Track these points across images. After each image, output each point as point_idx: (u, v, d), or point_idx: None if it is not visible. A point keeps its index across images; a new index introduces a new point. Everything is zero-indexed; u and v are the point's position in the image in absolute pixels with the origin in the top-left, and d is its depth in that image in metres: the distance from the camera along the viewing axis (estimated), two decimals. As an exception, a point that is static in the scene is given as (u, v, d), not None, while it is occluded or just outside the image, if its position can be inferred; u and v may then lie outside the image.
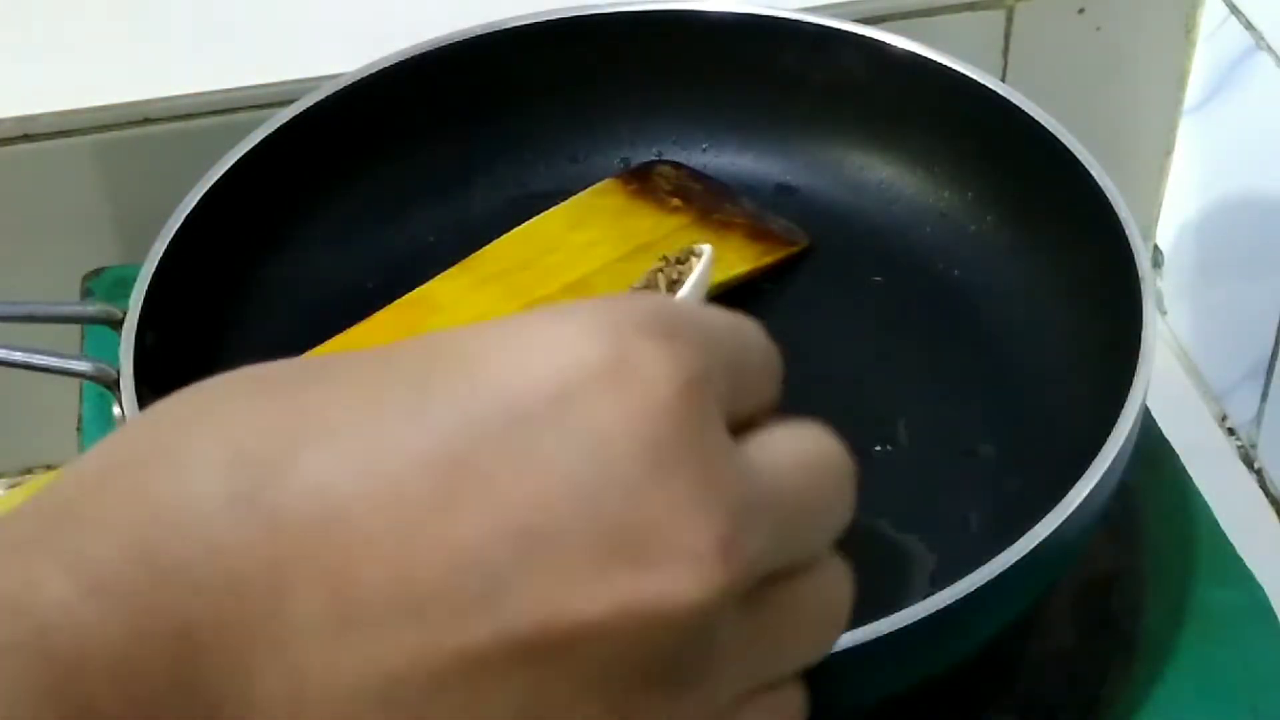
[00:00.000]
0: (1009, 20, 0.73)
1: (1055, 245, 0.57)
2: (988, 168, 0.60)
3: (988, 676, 0.52)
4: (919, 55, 0.59)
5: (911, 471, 0.53)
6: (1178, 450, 0.59)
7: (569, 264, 0.59)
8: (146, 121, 0.68)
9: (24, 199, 0.68)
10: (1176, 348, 0.80)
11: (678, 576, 0.25)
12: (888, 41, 0.60)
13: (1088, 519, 0.46)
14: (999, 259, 0.59)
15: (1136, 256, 0.51)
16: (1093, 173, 0.54)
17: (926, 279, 0.60)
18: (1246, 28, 0.72)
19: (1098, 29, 0.75)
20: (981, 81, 0.58)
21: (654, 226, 0.61)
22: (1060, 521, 0.44)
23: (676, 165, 0.64)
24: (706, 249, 0.53)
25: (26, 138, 0.67)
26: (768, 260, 0.60)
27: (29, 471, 0.76)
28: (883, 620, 0.41)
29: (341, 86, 0.60)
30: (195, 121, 0.68)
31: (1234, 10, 0.72)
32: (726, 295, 0.57)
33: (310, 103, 0.59)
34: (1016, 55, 0.74)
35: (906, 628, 0.41)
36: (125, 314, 0.52)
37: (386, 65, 0.61)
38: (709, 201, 0.62)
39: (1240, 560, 0.56)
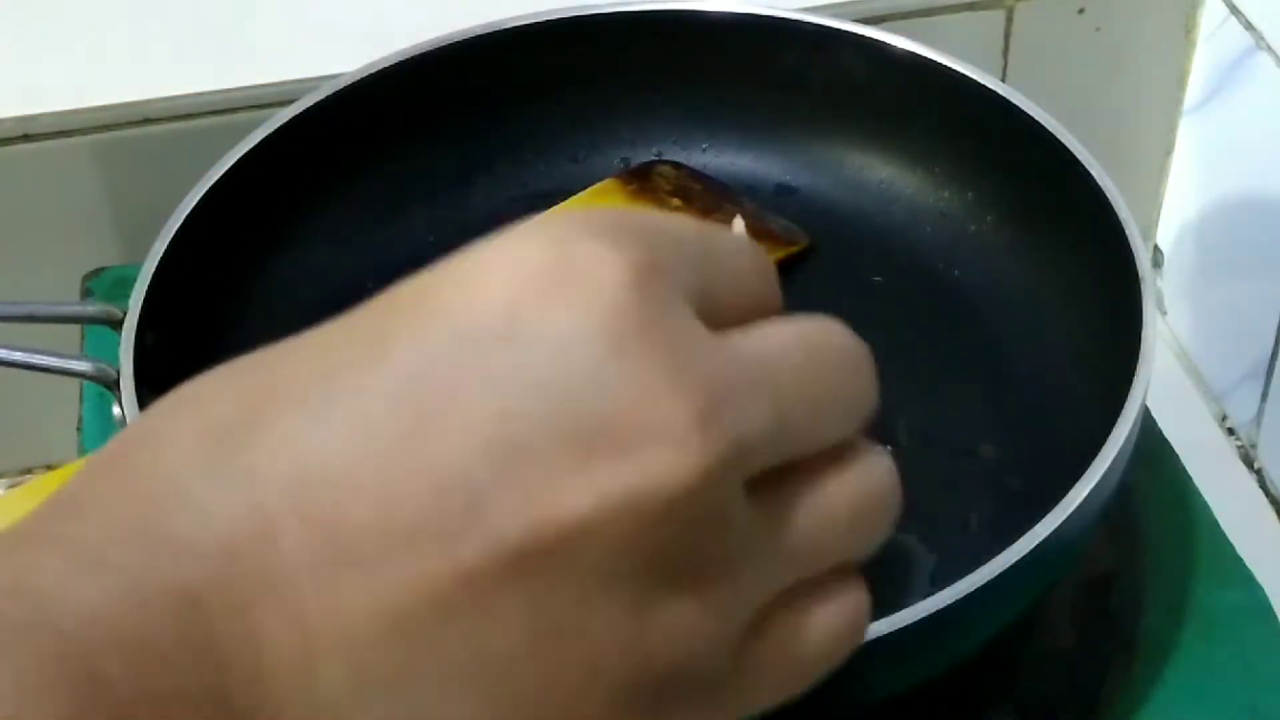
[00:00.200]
0: (1009, 20, 0.73)
1: (1055, 245, 0.57)
2: (988, 168, 0.60)
3: (988, 676, 0.52)
4: (919, 55, 0.59)
5: (911, 471, 0.53)
6: (1178, 450, 0.59)
7: (569, 264, 0.59)
8: (146, 121, 0.68)
9: (24, 199, 0.68)
10: (1176, 348, 0.80)
11: (656, 458, 0.25)
12: (888, 41, 0.60)
13: (1088, 519, 0.46)
14: (999, 259, 0.59)
15: (1136, 256, 0.51)
16: (1093, 173, 0.54)
17: (926, 279, 0.60)
18: (1246, 28, 0.72)
19: (1098, 29, 0.75)
20: (981, 81, 0.58)
21: (654, 226, 0.61)
22: (1060, 521, 0.44)
23: (676, 165, 0.64)
24: (738, 222, 0.53)
25: (26, 138, 0.67)
26: (768, 260, 0.60)
27: (29, 471, 0.76)
28: (883, 620, 0.41)
29: (341, 86, 0.60)
30: (195, 121, 0.68)
31: (1234, 10, 0.72)
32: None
33: (310, 103, 0.59)
34: (1016, 55, 0.74)
35: (906, 628, 0.41)
36: (125, 314, 0.52)
37: (386, 65, 0.61)
38: (709, 201, 0.62)
39: (1240, 560, 0.56)
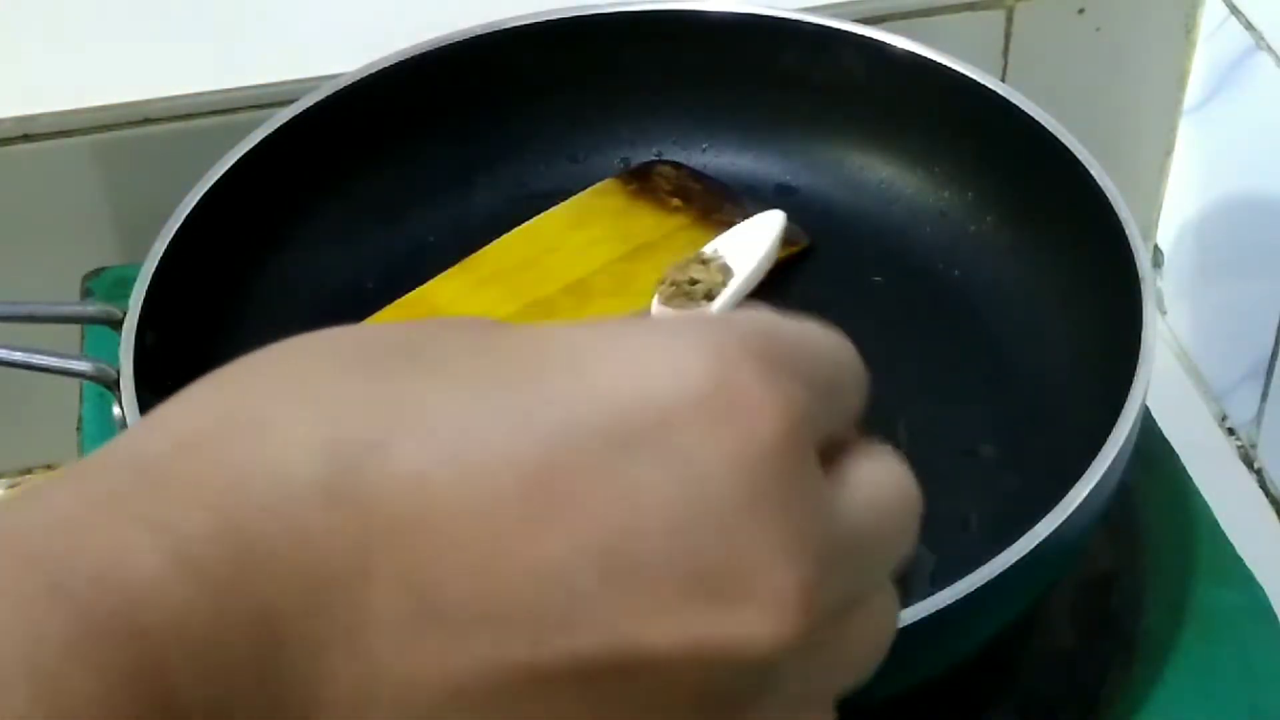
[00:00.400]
0: (1009, 20, 0.73)
1: (1055, 245, 0.57)
2: (988, 168, 0.60)
3: (988, 676, 0.52)
4: (919, 55, 0.59)
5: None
6: (1178, 450, 0.59)
7: (569, 264, 0.59)
8: (146, 121, 0.68)
9: (24, 199, 0.68)
10: (1176, 348, 0.80)
11: (756, 620, 0.25)
12: (888, 41, 0.60)
13: (1088, 519, 0.46)
14: (999, 259, 0.59)
15: (1136, 256, 0.51)
16: (1093, 173, 0.54)
17: (926, 279, 0.60)
18: (1246, 28, 0.72)
19: (1098, 29, 0.75)
20: (981, 81, 0.58)
21: (654, 226, 0.61)
22: (1060, 521, 0.44)
23: (676, 165, 0.64)
24: (778, 215, 0.55)
25: (26, 138, 0.67)
26: (768, 260, 0.60)
27: (29, 471, 0.76)
28: (883, 620, 0.41)
29: (341, 86, 0.60)
30: (195, 121, 0.68)
31: (1234, 10, 0.72)
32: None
33: (310, 103, 0.59)
34: (1016, 55, 0.74)
35: (906, 628, 0.41)
36: (125, 314, 0.52)
37: (386, 65, 0.61)
38: (709, 201, 0.62)
39: (1240, 560, 0.56)
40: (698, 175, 0.63)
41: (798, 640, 0.25)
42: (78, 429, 0.62)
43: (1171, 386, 0.78)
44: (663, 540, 0.25)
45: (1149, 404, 0.51)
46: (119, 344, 0.51)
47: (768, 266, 0.57)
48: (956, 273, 0.60)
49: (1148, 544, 0.56)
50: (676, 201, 0.62)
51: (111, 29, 0.67)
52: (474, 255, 0.59)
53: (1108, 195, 0.53)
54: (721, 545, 0.25)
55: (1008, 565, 0.43)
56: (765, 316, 0.28)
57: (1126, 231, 0.52)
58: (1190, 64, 0.77)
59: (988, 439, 0.54)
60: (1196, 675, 0.52)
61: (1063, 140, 0.55)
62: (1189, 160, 0.79)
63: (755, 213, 0.61)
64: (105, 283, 0.66)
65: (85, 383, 0.57)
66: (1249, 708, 0.51)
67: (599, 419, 0.25)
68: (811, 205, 0.62)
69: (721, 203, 0.62)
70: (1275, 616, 0.54)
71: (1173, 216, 0.81)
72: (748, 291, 0.56)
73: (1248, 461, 0.75)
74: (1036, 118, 0.56)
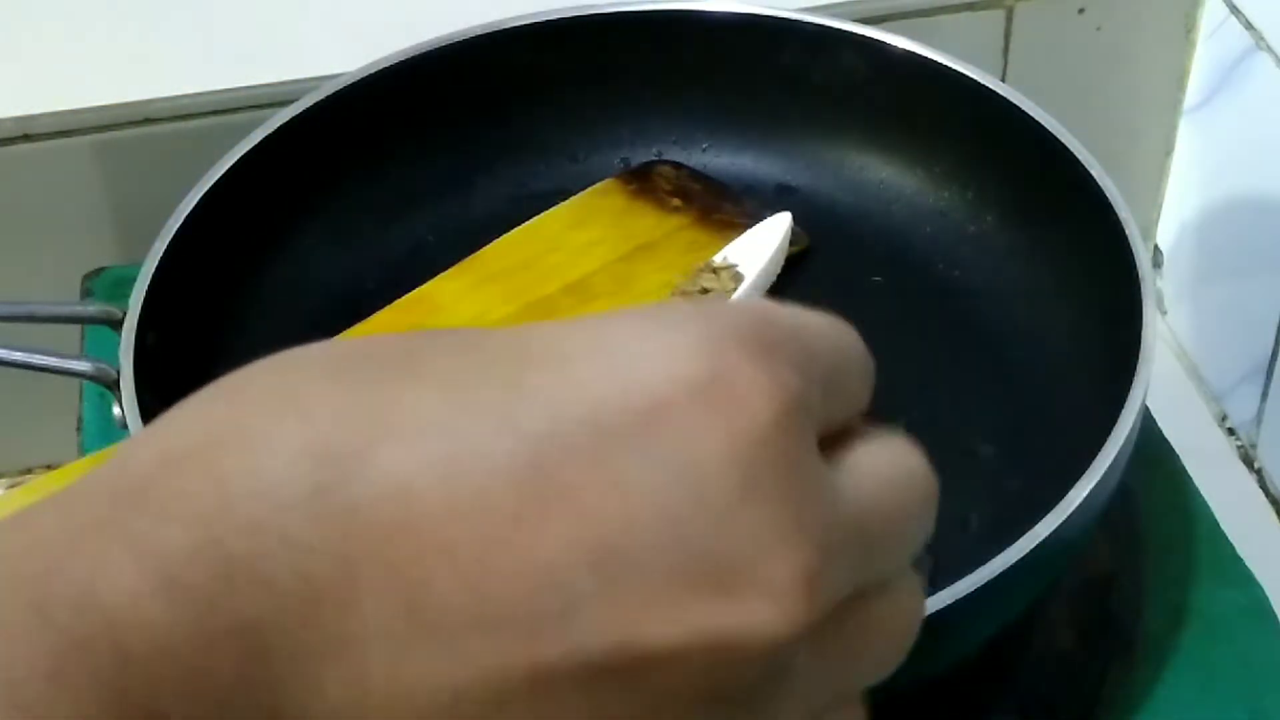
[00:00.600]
0: (1009, 20, 0.73)
1: (1055, 245, 0.57)
2: (988, 168, 0.60)
3: (988, 676, 0.52)
4: (919, 55, 0.59)
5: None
6: (1178, 450, 0.59)
7: (569, 264, 0.59)
8: (146, 121, 0.68)
9: (24, 199, 0.68)
10: (1176, 348, 0.80)
11: (759, 610, 0.24)
12: (888, 41, 0.60)
13: (1088, 519, 0.46)
14: (999, 259, 0.59)
15: (1136, 256, 0.51)
16: (1093, 173, 0.54)
17: (926, 279, 0.60)
18: (1246, 28, 0.72)
19: (1098, 29, 0.75)
20: (981, 81, 0.58)
21: (654, 226, 0.61)
22: (1060, 521, 0.44)
23: (676, 165, 0.64)
24: (785, 217, 0.55)
25: (26, 138, 0.67)
26: (768, 260, 0.60)
27: (29, 471, 0.76)
28: (883, 620, 0.41)
29: (341, 86, 0.60)
30: (195, 121, 0.68)
31: (1234, 10, 0.72)
32: (726, 295, 0.57)
33: (310, 103, 0.59)
34: (1016, 55, 0.74)
35: (906, 628, 0.41)
36: (125, 314, 0.52)
37: (386, 65, 0.61)
38: (709, 201, 0.62)
39: (1240, 560, 0.56)
40: (698, 175, 0.63)
41: (803, 629, 0.25)
42: (78, 429, 0.62)
43: (1171, 386, 0.78)
44: (657, 533, 0.24)
45: (1149, 404, 0.51)
46: (119, 344, 0.51)
47: (776, 270, 0.58)
48: (956, 273, 0.60)
49: (1148, 544, 0.56)
50: (677, 201, 0.62)
51: (111, 29, 0.67)
52: (474, 255, 0.59)
53: (1108, 195, 0.53)
54: (718, 534, 0.24)
55: (1008, 565, 0.43)
56: (759, 304, 0.27)
57: (1126, 231, 0.52)
58: (1190, 64, 0.77)
59: (988, 439, 0.54)
60: (1196, 675, 0.52)
61: (1063, 140, 0.55)
62: (1189, 160, 0.79)
63: (755, 212, 0.61)
64: (105, 283, 0.66)
65: (85, 383, 0.57)
66: (1249, 708, 0.51)
67: (585, 411, 0.25)
68: (811, 205, 0.62)
69: (721, 203, 0.62)
70: (1275, 616, 0.54)
71: (1173, 216, 0.81)
72: (758, 295, 0.56)
73: (1248, 461, 0.75)
74: (1036, 118, 0.56)
